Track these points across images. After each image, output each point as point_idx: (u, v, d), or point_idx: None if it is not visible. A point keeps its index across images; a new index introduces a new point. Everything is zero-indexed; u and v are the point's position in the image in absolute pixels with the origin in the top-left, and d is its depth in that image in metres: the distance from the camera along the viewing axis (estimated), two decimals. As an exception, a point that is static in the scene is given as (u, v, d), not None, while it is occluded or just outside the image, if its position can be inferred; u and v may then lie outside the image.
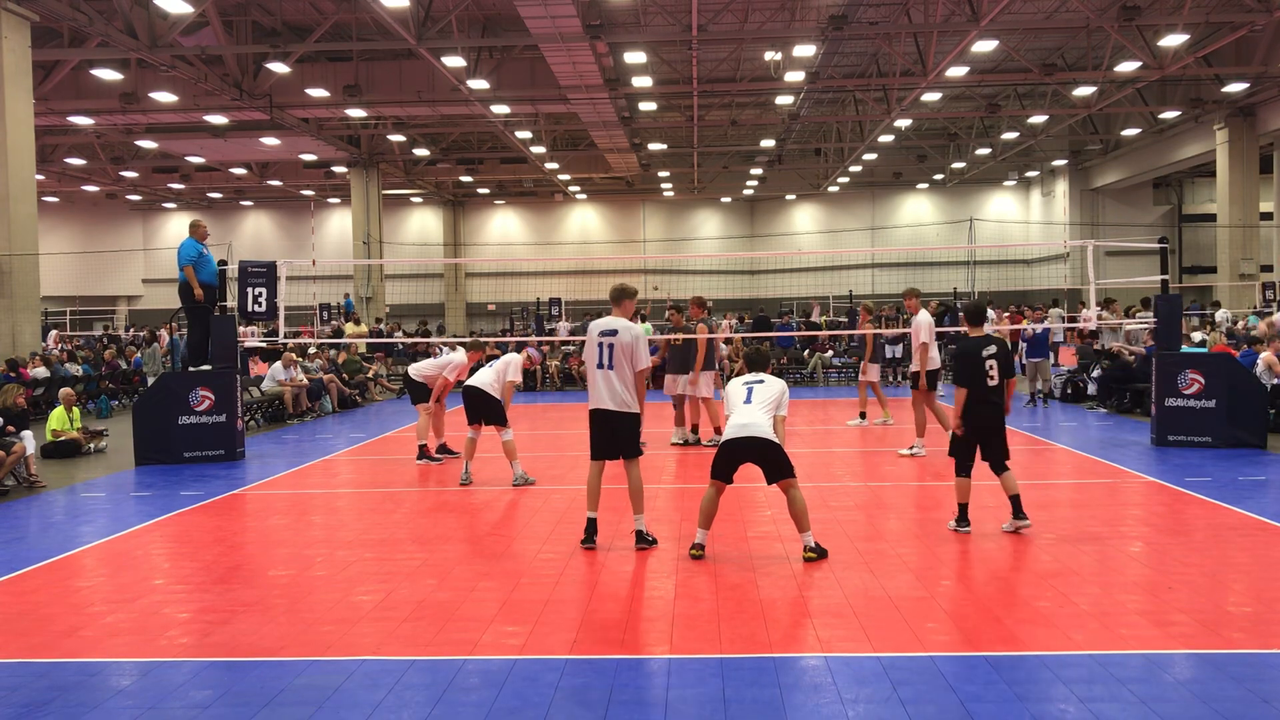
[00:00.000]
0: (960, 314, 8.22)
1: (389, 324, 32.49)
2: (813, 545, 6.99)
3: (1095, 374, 17.22)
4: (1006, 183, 47.67)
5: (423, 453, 11.95)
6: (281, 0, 23.71)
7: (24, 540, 8.37)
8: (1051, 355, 17.09)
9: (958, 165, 44.15)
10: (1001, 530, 7.77)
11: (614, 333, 7.34)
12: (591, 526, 7.47)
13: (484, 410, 10.51)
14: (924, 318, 11.99)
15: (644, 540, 7.42)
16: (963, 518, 7.83)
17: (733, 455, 7.00)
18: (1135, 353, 16.27)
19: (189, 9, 19.66)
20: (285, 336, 14.14)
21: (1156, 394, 12.20)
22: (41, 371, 18.23)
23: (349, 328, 26.91)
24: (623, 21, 23.87)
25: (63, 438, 13.27)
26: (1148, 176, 40.26)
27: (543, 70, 26.09)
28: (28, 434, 11.11)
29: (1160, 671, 4.84)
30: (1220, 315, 25.07)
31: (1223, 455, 11.28)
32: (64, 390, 13.92)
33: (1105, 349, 18.02)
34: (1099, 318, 16.07)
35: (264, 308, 13.00)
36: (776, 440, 6.93)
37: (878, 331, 16.19)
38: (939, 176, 46.80)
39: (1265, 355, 13.63)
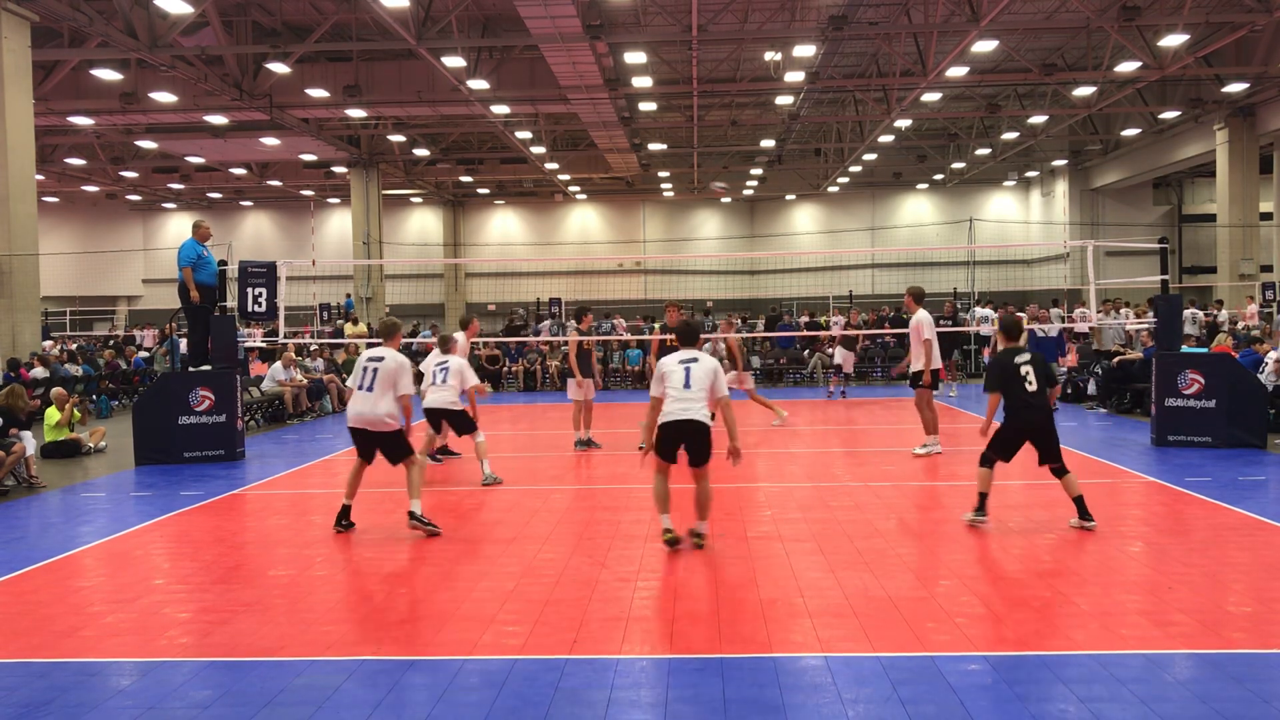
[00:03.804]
0: (998, 328, 8.56)
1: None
2: (703, 532, 7.36)
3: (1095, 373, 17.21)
4: (1006, 183, 47.66)
5: (428, 451, 11.86)
6: (281, 0, 23.70)
7: (24, 540, 8.37)
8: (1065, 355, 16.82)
9: (958, 165, 44.14)
10: (1069, 526, 7.85)
11: (381, 359, 8.26)
12: (343, 512, 8.23)
13: (452, 423, 10.61)
14: (924, 315, 11.92)
15: (418, 520, 7.98)
16: (981, 508, 7.93)
17: (675, 437, 7.29)
18: (1135, 357, 16.24)
19: (189, 9, 19.66)
20: (285, 336, 14.14)
21: (1156, 394, 12.20)
22: (40, 372, 18.22)
23: (349, 328, 26.91)
24: (623, 21, 23.87)
25: (62, 437, 13.28)
26: (1148, 176, 40.25)
27: (543, 70, 26.08)
28: (27, 434, 11.11)
29: (1160, 671, 4.84)
30: (1221, 316, 25.07)
31: (1223, 455, 11.28)
32: (55, 390, 13.91)
33: (1104, 349, 18.01)
34: (1085, 317, 15.99)
35: (264, 308, 13.00)
36: (709, 424, 7.31)
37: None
38: (939, 176, 46.80)
39: (1275, 355, 13.61)
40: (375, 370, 8.20)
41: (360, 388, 8.24)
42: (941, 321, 21.07)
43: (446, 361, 10.50)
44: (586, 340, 12.92)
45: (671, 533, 7.35)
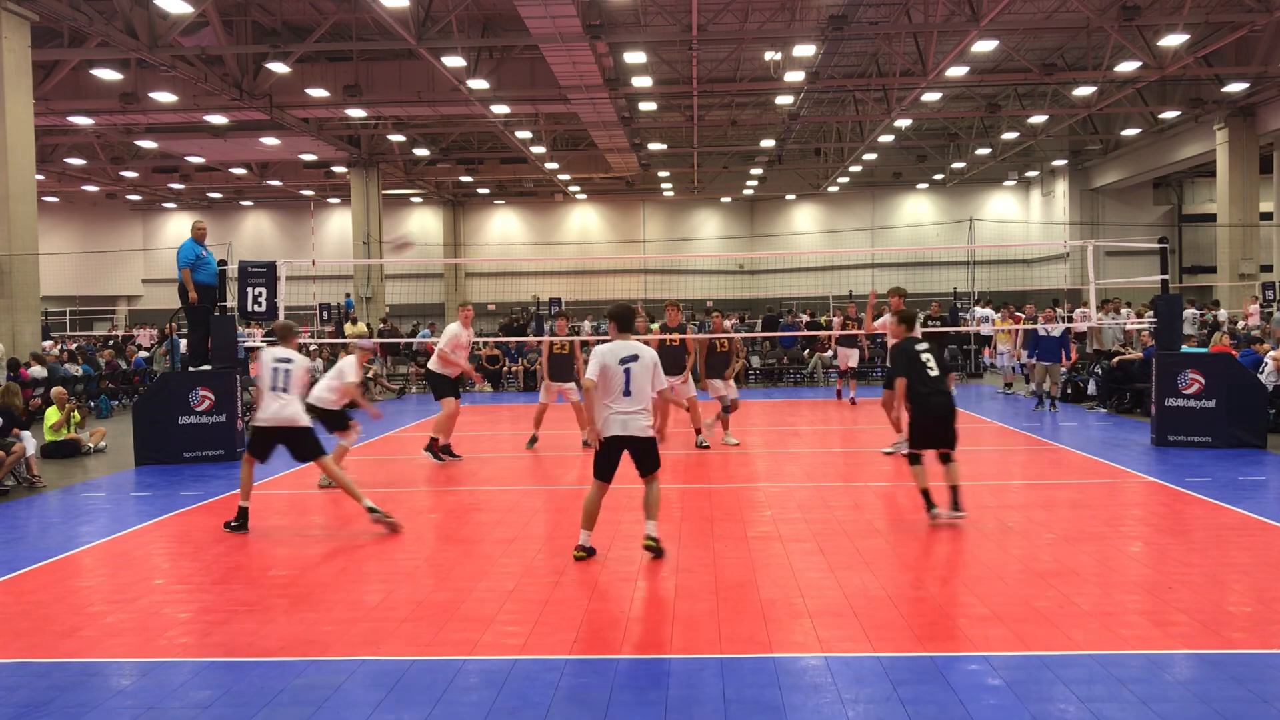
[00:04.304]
0: (896, 319, 8.76)
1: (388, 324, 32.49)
2: (655, 536, 7.08)
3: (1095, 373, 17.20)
4: (1006, 183, 47.64)
5: (432, 447, 11.81)
6: (281, 0, 23.69)
7: (24, 540, 8.37)
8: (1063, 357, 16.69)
9: (958, 165, 44.14)
10: (932, 519, 7.97)
11: (290, 361, 8.49)
12: (242, 514, 8.36)
13: (328, 423, 10.28)
14: None
15: (378, 515, 8.16)
16: (930, 504, 8.03)
17: (615, 453, 7.02)
18: (1134, 357, 16.24)
19: (189, 9, 19.65)
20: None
21: (1156, 394, 12.20)
22: (39, 371, 18.22)
23: (349, 328, 26.91)
24: (623, 21, 23.86)
25: (62, 438, 13.28)
26: (1148, 176, 40.24)
27: (543, 70, 26.07)
28: (27, 434, 11.11)
29: (1160, 671, 4.84)
30: (1221, 315, 25.08)
31: (1223, 455, 11.28)
32: (55, 390, 13.91)
33: (1104, 349, 18.01)
34: (1085, 317, 15.94)
35: (264, 308, 13.00)
36: (652, 436, 7.09)
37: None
38: (939, 176, 46.79)
39: (1275, 354, 13.60)
40: (288, 372, 8.43)
41: (274, 389, 8.35)
42: (930, 322, 21.08)
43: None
44: (559, 343, 13.08)
45: (584, 550, 7.04)
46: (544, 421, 13.21)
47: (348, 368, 10.26)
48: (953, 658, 5.05)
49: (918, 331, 8.73)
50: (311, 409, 9.78)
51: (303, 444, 8.44)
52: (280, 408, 8.35)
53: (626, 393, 6.93)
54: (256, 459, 8.42)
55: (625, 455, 7.06)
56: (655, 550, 7.01)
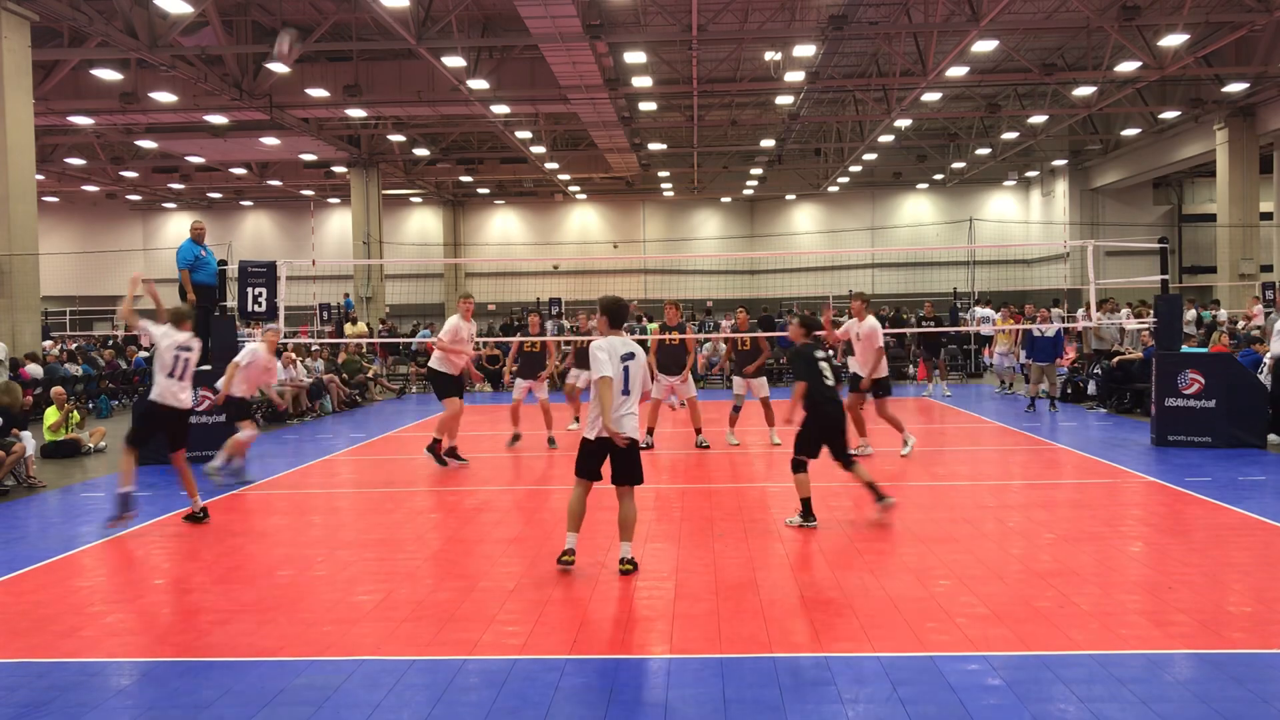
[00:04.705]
0: (796, 321, 8.69)
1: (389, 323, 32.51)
2: (631, 558, 6.69)
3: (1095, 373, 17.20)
4: (1006, 183, 47.64)
5: (435, 448, 11.39)
6: (281, 0, 23.69)
7: (24, 540, 8.37)
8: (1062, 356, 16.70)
9: (958, 165, 44.13)
10: (785, 524, 8.01)
11: (190, 349, 8.75)
12: (199, 517, 8.67)
13: (230, 412, 10.77)
14: (875, 323, 11.32)
15: (199, 518, 8.52)
16: (807, 513, 8.00)
17: (602, 452, 6.69)
18: (1134, 357, 16.22)
19: (189, 9, 19.65)
20: (285, 337, 14.13)
21: (1156, 394, 12.20)
22: (37, 370, 18.21)
23: (349, 328, 26.94)
24: (623, 21, 23.85)
25: (61, 438, 13.28)
26: (1148, 176, 40.23)
27: (543, 70, 26.07)
28: (27, 434, 11.11)
29: (1160, 671, 4.84)
30: (1221, 315, 25.06)
31: (1223, 455, 11.28)
32: (54, 389, 13.91)
33: (1104, 349, 18.00)
34: (1086, 317, 15.91)
35: (264, 308, 13.00)
36: (637, 439, 6.75)
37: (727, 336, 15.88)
38: (939, 176, 46.78)
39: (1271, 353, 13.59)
40: (187, 360, 8.70)
41: (171, 375, 8.61)
42: (924, 322, 21.09)
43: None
44: (529, 342, 13.28)
45: (571, 555, 6.73)
46: (554, 421, 13.35)
47: (245, 351, 10.60)
48: (953, 658, 5.05)
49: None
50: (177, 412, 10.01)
51: (183, 431, 8.80)
52: (176, 391, 8.62)
53: (625, 391, 6.68)
54: (138, 447, 8.73)
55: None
56: (629, 571, 6.64)
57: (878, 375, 11.23)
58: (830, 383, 8.08)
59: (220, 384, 10.95)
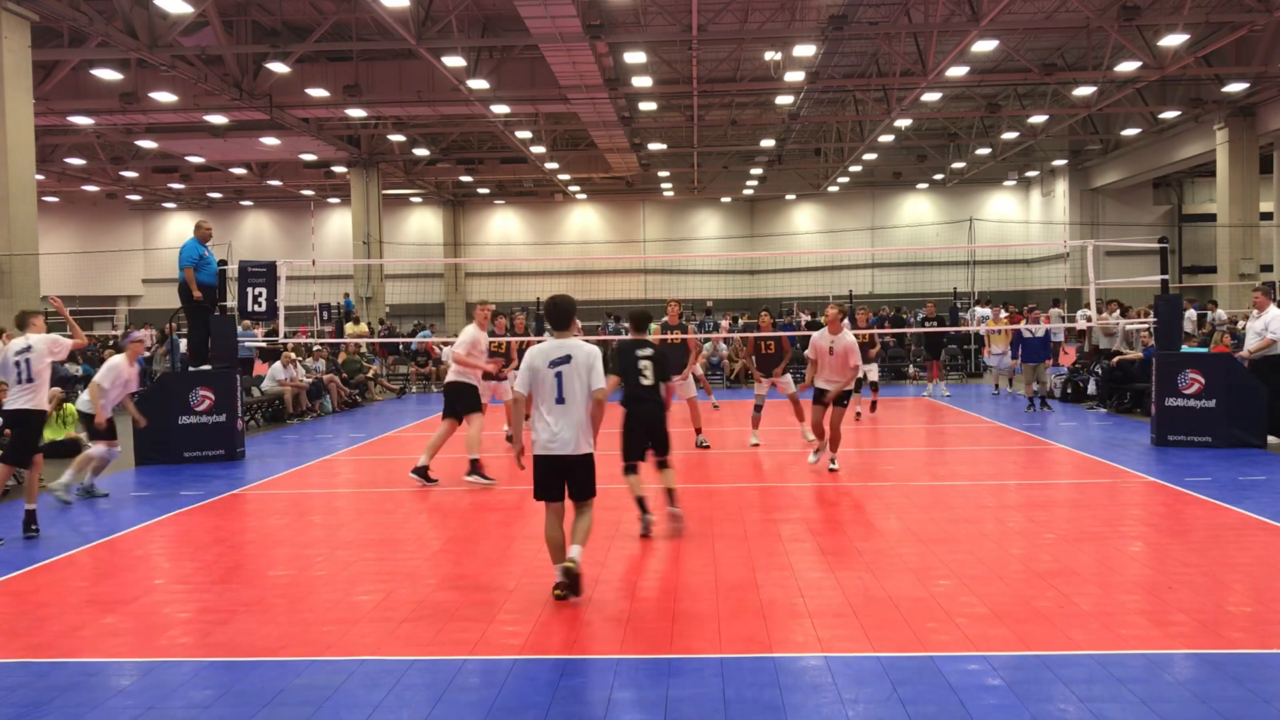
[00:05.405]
0: (628, 320, 8.62)
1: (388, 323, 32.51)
2: (577, 560, 6.17)
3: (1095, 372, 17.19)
4: (1006, 183, 47.65)
5: (474, 469, 10.55)
6: (281, 0, 23.69)
7: (24, 540, 8.37)
8: (1053, 356, 16.77)
9: (958, 165, 44.15)
10: (646, 525, 7.84)
11: (29, 348, 8.54)
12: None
13: (90, 429, 10.41)
14: (851, 338, 10.63)
15: (32, 530, 8.29)
16: (645, 510, 7.86)
17: (551, 472, 6.19)
18: (1133, 357, 16.21)
19: (189, 9, 19.66)
20: (285, 336, 14.14)
21: (1156, 394, 12.20)
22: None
23: (349, 327, 26.93)
24: (623, 21, 23.86)
25: (61, 437, 13.25)
26: (1148, 176, 40.24)
27: (543, 70, 26.07)
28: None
29: (1160, 671, 4.84)
30: (1221, 315, 25.05)
31: (1223, 455, 11.28)
32: (53, 389, 13.87)
33: (1102, 350, 17.99)
34: (1087, 319, 15.92)
35: (264, 308, 13.00)
36: (589, 451, 6.23)
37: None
38: (939, 176, 46.79)
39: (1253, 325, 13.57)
40: (28, 361, 8.50)
41: (19, 382, 8.49)
42: (926, 323, 21.08)
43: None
44: (494, 342, 12.89)
45: (565, 586, 6.16)
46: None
47: (105, 366, 10.31)
48: (953, 658, 5.05)
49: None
50: (80, 414, 10.01)
51: (18, 435, 8.57)
52: (27, 398, 8.52)
53: (559, 399, 6.08)
54: (13, 465, 8.78)
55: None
56: (572, 574, 6.11)
57: (846, 388, 10.64)
58: (648, 382, 7.99)
59: (94, 411, 10.23)
